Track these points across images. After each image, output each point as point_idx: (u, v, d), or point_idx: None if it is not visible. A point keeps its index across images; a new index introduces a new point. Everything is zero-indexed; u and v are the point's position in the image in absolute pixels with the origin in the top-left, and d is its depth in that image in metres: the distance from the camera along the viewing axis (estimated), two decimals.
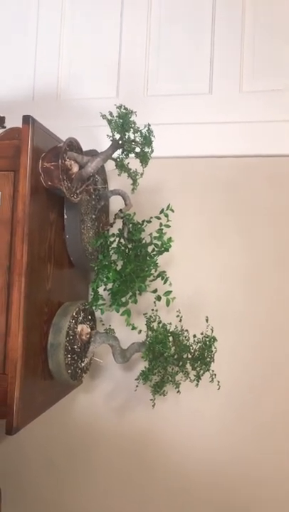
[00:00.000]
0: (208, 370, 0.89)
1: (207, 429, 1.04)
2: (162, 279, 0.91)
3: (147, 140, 0.81)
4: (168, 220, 0.90)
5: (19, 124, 0.81)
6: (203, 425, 1.04)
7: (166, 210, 0.91)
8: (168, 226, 0.90)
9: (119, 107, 0.78)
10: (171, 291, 0.91)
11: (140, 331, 0.92)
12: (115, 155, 0.86)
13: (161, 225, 0.90)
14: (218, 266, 1.06)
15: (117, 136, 0.81)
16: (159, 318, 0.94)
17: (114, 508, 1.08)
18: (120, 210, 0.93)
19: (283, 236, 1.04)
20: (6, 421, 0.76)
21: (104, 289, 0.91)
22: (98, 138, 1.07)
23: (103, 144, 0.98)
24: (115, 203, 1.07)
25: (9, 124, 0.90)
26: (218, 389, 0.93)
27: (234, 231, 1.07)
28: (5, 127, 0.93)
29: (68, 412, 1.12)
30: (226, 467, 1.03)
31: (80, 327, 0.90)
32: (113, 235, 0.94)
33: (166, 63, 1.13)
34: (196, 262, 1.07)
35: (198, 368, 0.88)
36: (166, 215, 0.91)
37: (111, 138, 0.82)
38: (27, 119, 0.79)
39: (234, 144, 1.06)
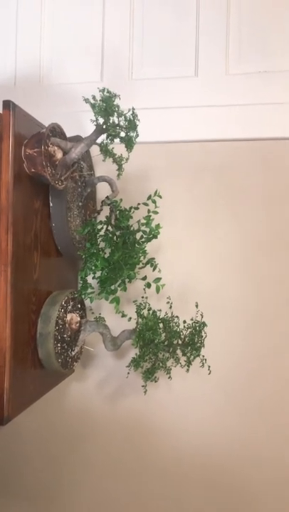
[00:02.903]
0: (199, 355, 0.89)
1: (200, 414, 1.05)
2: (151, 266, 0.91)
3: (132, 124, 0.79)
4: (156, 207, 0.89)
5: (0, 110, 0.79)
6: (195, 410, 1.05)
7: (154, 196, 0.90)
8: (156, 212, 0.90)
9: (102, 91, 0.76)
10: (160, 278, 0.91)
11: (130, 319, 0.92)
12: (100, 140, 0.84)
13: (149, 211, 0.89)
14: (209, 252, 1.06)
15: (101, 120, 0.79)
16: (149, 305, 0.94)
17: (110, 494, 1.10)
18: (107, 197, 0.91)
19: (275, 221, 1.04)
20: None
21: (93, 278, 0.90)
22: (83, 123, 1.05)
23: (88, 130, 0.96)
24: (103, 190, 1.06)
25: None
26: (209, 374, 0.94)
27: (224, 216, 1.06)
28: None
29: (61, 401, 1.12)
30: (220, 450, 1.04)
31: (69, 316, 0.90)
32: (100, 222, 0.93)
33: (151, 46, 1.10)
34: (186, 249, 1.07)
35: (188, 354, 0.89)
36: (154, 202, 0.90)
37: (95, 122, 0.80)
38: (7, 104, 0.77)
39: (222, 127, 1.04)
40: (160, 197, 0.90)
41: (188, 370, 0.89)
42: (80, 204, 0.97)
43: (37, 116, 0.86)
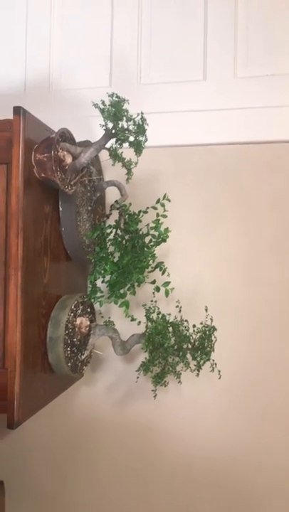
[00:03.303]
0: (209, 359, 0.89)
1: (209, 419, 1.04)
2: (160, 269, 0.91)
3: (141, 128, 0.79)
4: (164, 210, 0.89)
5: (11, 116, 0.80)
6: (204, 415, 1.04)
7: (163, 199, 0.90)
8: (165, 216, 0.89)
9: (111, 95, 0.76)
10: (169, 282, 0.90)
11: (140, 323, 0.92)
12: (109, 145, 0.84)
13: (157, 215, 0.89)
14: (217, 255, 1.06)
15: (110, 125, 0.79)
16: (159, 309, 0.94)
17: (117, 499, 1.09)
18: (116, 201, 0.91)
19: (282, 224, 1.03)
20: (7, 415, 0.76)
21: (102, 282, 0.90)
22: (92, 128, 1.06)
23: (97, 135, 0.96)
24: (111, 195, 1.06)
25: (1, 117, 0.89)
26: (219, 378, 0.93)
27: (233, 220, 1.06)
28: None
29: (70, 405, 1.12)
30: (228, 456, 1.03)
31: (79, 320, 0.90)
32: (110, 226, 0.93)
33: (159, 51, 1.11)
34: (195, 252, 1.07)
35: (198, 358, 0.88)
36: (163, 205, 0.90)
37: (104, 127, 0.80)
38: (18, 110, 0.77)
39: (230, 131, 1.04)
40: (169, 200, 0.90)
41: (198, 374, 0.89)
42: (90, 208, 0.98)
43: (46, 121, 0.87)
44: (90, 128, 1.08)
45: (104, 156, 0.95)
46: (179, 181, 1.08)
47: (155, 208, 0.90)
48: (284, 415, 1.00)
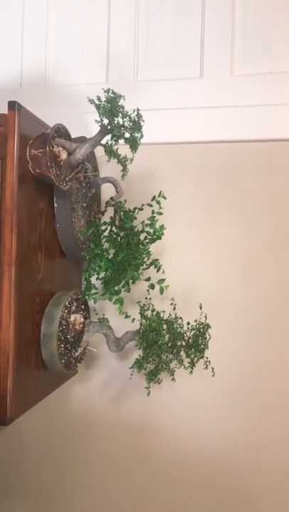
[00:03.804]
0: (202, 357, 0.89)
1: (203, 416, 1.04)
2: (155, 267, 0.91)
3: (137, 125, 0.79)
4: (160, 208, 0.89)
5: (6, 111, 0.79)
6: (198, 412, 1.04)
7: (158, 197, 0.90)
8: (160, 213, 0.89)
9: (107, 91, 0.76)
10: (164, 279, 0.90)
11: (134, 320, 0.92)
12: (104, 141, 0.84)
13: (153, 212, 0.89)
14: (213, 253, 1.06)
15: (106, 121, 0.79)
16: (153, 306, 0.94)
17: (112, 495, 1.09)
18: (111, 198, 0.91)
19: (279, 222, 1.03)
20: None
21: (97, 278, 0.90)
22: (87, 125, 1.05)
23: (92, 131, 0.96)
24: (107, 192, 1.06)
25: None
26: (213, 375, 0.94)
27: (229, 217, 1.06)
28: None
29: (64, 402, 1.12)
30: (224, 454, 1.03)
31: (73, 317, 0.90)
32: (105, 223, 0.93)
33: (156, 47, 1.10)
34: (190, 250, 1.07)
35: (192, 355, 0.88)
36: (158, 202, 0.89)
37: (99, 123, 0.80)
38: (13, 105, 0.77)
39: (227, 128, 1.04)
40: (164, 198, 0.89)
41: (191, 371, 0.89)
42: (85, 205, 0.98)
43: (42, 117, 0.86)
44: (85, 124, 1.08)
45: (99, 152, 0.95)
46: (175, 179, 1.08)
47: (150, 205, 0.90)
48: (282, 415, 1.00)
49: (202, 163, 1.07)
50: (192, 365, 0.89)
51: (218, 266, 1.05)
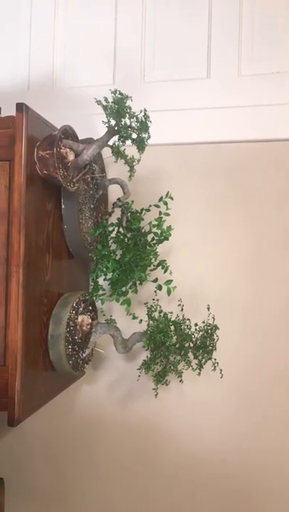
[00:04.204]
0: (210, 358, 0.88)
1: (210, 419, 1.03)
2: (162, 268, 0.90)
3: (144, 125, 0.79)
4: (167, 209, 0.89)
5: (14, 113, 0.80)
6: (206, 415, 1.04)
7: (166, 198, 0.89)
8: (167, 214, 0.89)
9: (114, 92, 0.76)
10: (171, 281, 0.90)
11: (141, 321, 0.91)
12: (111, 142, 0.84)
13: (160, 213, 0.89)
14: (220, 254, 1.05)
15: (113, 122, 0.79)
16: (160, 307, 0.93)
17: (117, 498, 1.09)
18: (118, 199, 0.91)
19: (286, 221, 1.02)
20: (7, 413, 0.76)
21: (104, 279, 0.90)
22: (95, 126, 1.06)
23: (100, 133, 0.96)
24: (114, 193, 1.06)
25: (5, 114, 0.89)
26: (221, 377, 0.93)
27: (236, 218, 1.05)
28: None
29: (71, 403, 1.12)
30: (230, 456, 1.02)
31: (80, 318, 0.90)
32: (112, 224, 0.93)
33: (163, 48, 1.10)
34: (197, 251, 1.06)
35: (200, 357, 0.87)
36: (166, 203, 0.89)
37: (107, 124, 0.80)
38: (21, 107, 0.77)
39: (234, 129, 1.04)
40: (172, 198, 0.89)
41: (199, 373, 0.88)
42: (92, 206, 0.98)
43: (49, 119, 0.87)
44: (93, 126, 1.08)
45: (106, 153, 0.95)
46: (183, 179, 1.07)
47: (158, 206, 0.90)
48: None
49: (209, 163, 1.06)
50: (200, 366, 0.88)
51: (226, 266, 1.04)
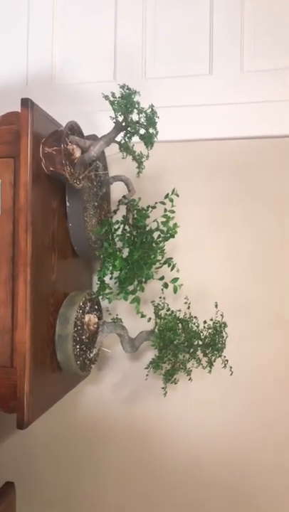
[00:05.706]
0: (220, 355, 0.88)
1: (219, 418, 1.03)
2: (169, 265, 0.89)
3: (151, 121, 0.78)
4: (173, 206, 0.88)
5: (13, 109, 0.78)
6: (214, 414, 1.03)
7: (171, 194, 0.88)
8: (173, 211, 0.88)
9: (123, 87, 0.75)
10: (178, 278, 0.89)
11: (150, 319, 0.90)
12: (118, 138, 0.83)
13: (165, 210, 0.88)
14: (226, 251, 1.05)
15: (120, 117, 0.78)
16: (168, 305, 0.93)
17: (124, 499, 1.08)
18: (124, 197, 0.90)
19: None
20: (16, 415, 0.74)
21: (110, 278, 0.89)
22: (95, 123, 1.04)
23: (100, 129, 0.95)
24: (115, 191, 1.04)
25: (2, 110, 0.86)
26: (231, 374, 0.92)
27: (242, 215, 1.04)
28: None
29: (76, 404, 1.10)
30: (241, 457, 1.02)
31: (87, 317, 0.88)
32: (117, 222, 0.92)
33: (164, 44, 1.09)
34: (203, 248, 1.05)
35: (209, 354, 0.87)
36: (172, 200, 0.88)
37: (114, 120, 0.79)
38: (26, 102, 0.75)
39: (237, 125, 1.03)
40: (177, 195, 0.88)
41: (210, 371, 0.88)
42: (96, 204, 0.96)
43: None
44: (93, 122, 1.06)
45: (109, 150, 0.93)
46: (186, 176, 1.07)
47: (163, 203, 0.88)
48: None
49: (213, 160, 1.06)
50: (210, 364, 0.87)
51: (231, 263, 1.04)
